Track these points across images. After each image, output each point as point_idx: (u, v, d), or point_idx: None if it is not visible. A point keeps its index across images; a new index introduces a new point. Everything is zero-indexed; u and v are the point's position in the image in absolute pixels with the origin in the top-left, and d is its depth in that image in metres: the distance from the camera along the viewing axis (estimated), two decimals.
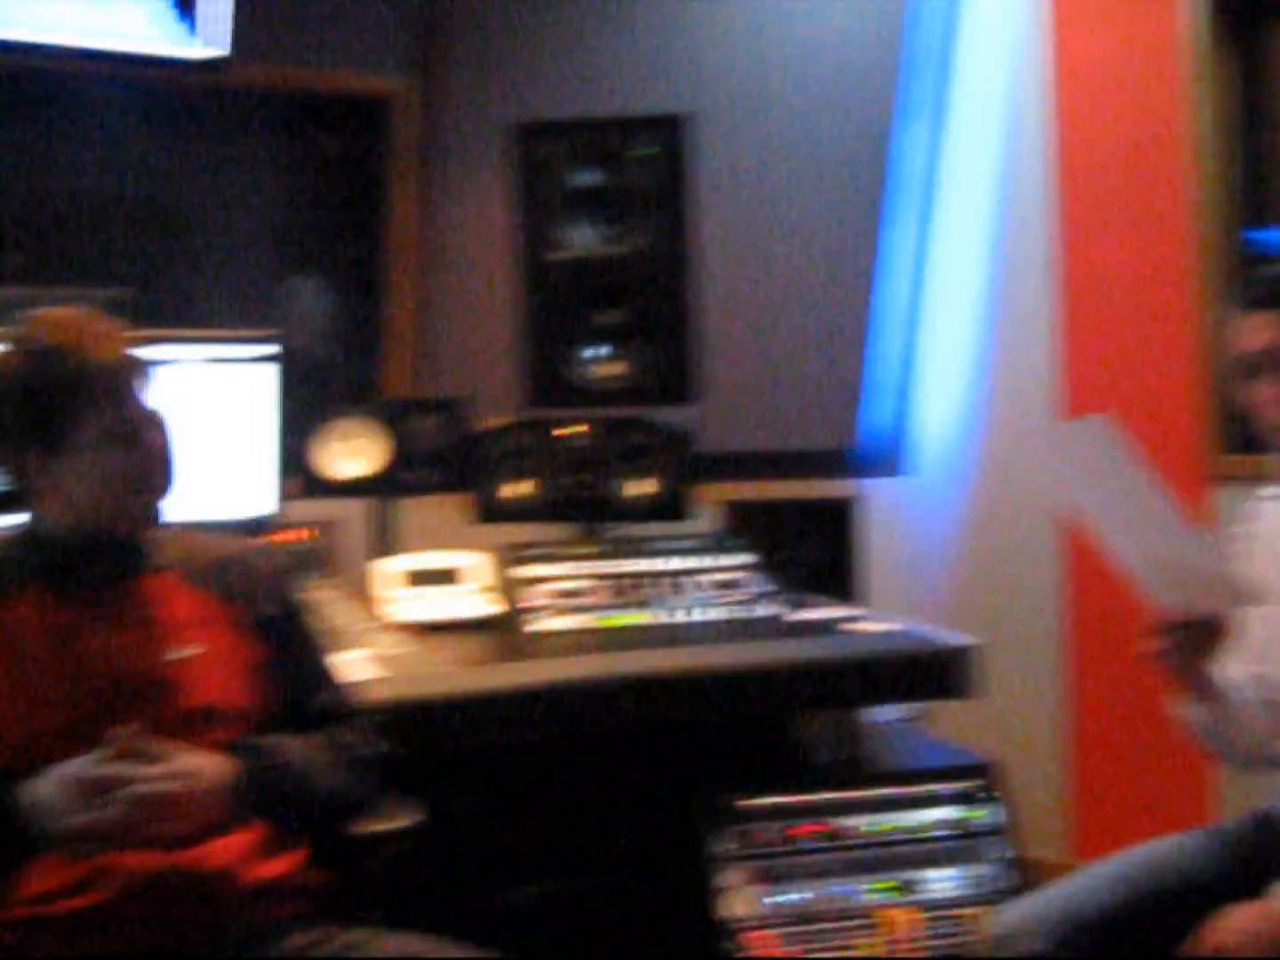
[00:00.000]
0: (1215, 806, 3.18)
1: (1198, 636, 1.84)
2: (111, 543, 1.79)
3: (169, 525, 1.84)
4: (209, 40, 3.09)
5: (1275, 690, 1.95)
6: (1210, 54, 3.44)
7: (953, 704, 2.61)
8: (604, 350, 3.13)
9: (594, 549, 2.91)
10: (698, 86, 3.46)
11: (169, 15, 3.06)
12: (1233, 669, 1.96)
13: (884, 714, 2.93)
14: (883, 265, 3.75)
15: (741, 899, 2.38)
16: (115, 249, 3.45)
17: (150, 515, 1.80)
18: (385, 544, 2.98)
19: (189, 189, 3.50)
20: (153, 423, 1.78)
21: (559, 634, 2.64)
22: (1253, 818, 2.02)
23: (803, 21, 3.56)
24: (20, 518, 1.82)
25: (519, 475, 3.04)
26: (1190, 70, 3.45)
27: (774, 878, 2.41)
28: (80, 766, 1.62)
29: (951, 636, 2.58)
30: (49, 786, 1.62)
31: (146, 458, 1.77)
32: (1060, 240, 3.71)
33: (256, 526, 2.68)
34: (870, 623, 2.73)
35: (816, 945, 2.37)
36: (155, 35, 3.07)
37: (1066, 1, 3.75)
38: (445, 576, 2.82)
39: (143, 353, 1.79)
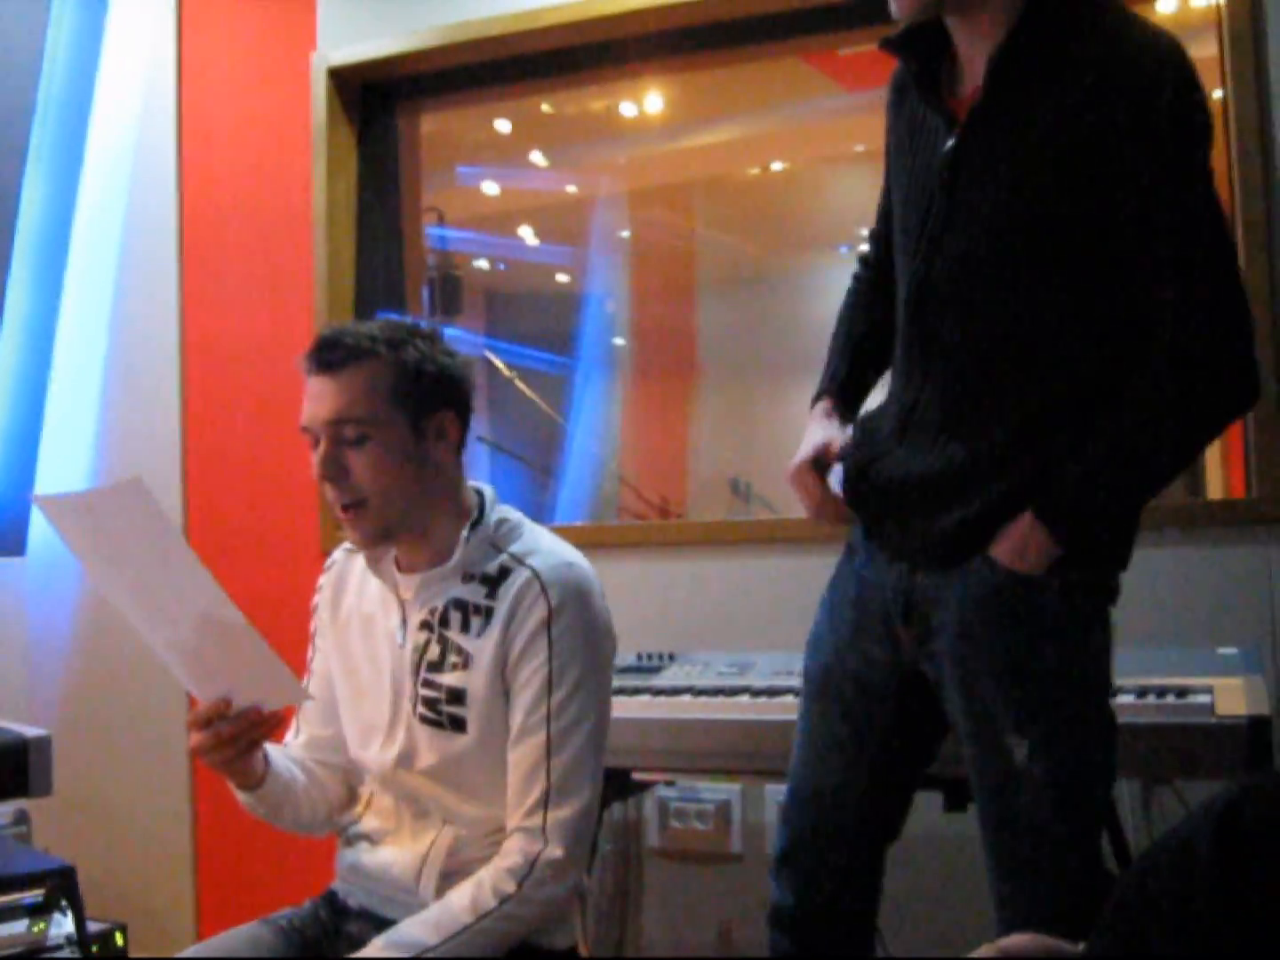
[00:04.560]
0: None
1: (241, 729, 1.71)
2: None
3: None
4: None
5: (327, 752, 1.98)
6: (335, 134, 3.54)
7: (65, 800, 2.59)
8: None
9: None
10: None
11: None
12: (289, 735, 1.99)
13: None
14: (6, 328, 3.56)
15: None
16: None
17: None
18: None
19: None
20: None
21: None
22: (322, 898, 1.99)
23: None
24: None
25: None
26: (317, 148, 3.51)
27: None
28: None
29: (21, 729, 2.46)
30: None
31: None
32: (183, 311, 3.67)
33: None
34: None
35: None
36: None
37: (193, 68, 3.67)
38: None
39: None
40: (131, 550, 1.64)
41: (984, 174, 1.66)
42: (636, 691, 2.41)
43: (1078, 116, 1.59)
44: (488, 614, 1.82)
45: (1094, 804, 1.71)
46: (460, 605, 1.84)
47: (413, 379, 1.81)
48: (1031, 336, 1.67)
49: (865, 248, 2.01)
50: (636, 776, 2.55)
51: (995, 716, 1.66)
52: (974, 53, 1.69)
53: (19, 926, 2.43)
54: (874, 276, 1.97)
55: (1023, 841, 1.68)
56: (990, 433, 1.67)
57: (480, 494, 1.91)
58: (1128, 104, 1.57)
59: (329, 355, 1.79)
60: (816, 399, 1.94)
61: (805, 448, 1.88)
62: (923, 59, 1.74)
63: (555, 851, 1.74)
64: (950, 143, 1.68)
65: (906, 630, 1.75)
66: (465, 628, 1.83)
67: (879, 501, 1.77)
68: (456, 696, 1.82)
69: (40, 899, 2.46)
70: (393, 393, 1.79)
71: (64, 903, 2.46)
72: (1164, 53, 1.59)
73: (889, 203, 1.89)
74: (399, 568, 1.91)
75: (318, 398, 1.80)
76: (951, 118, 1.69)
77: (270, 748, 1.87)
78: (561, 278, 6.73)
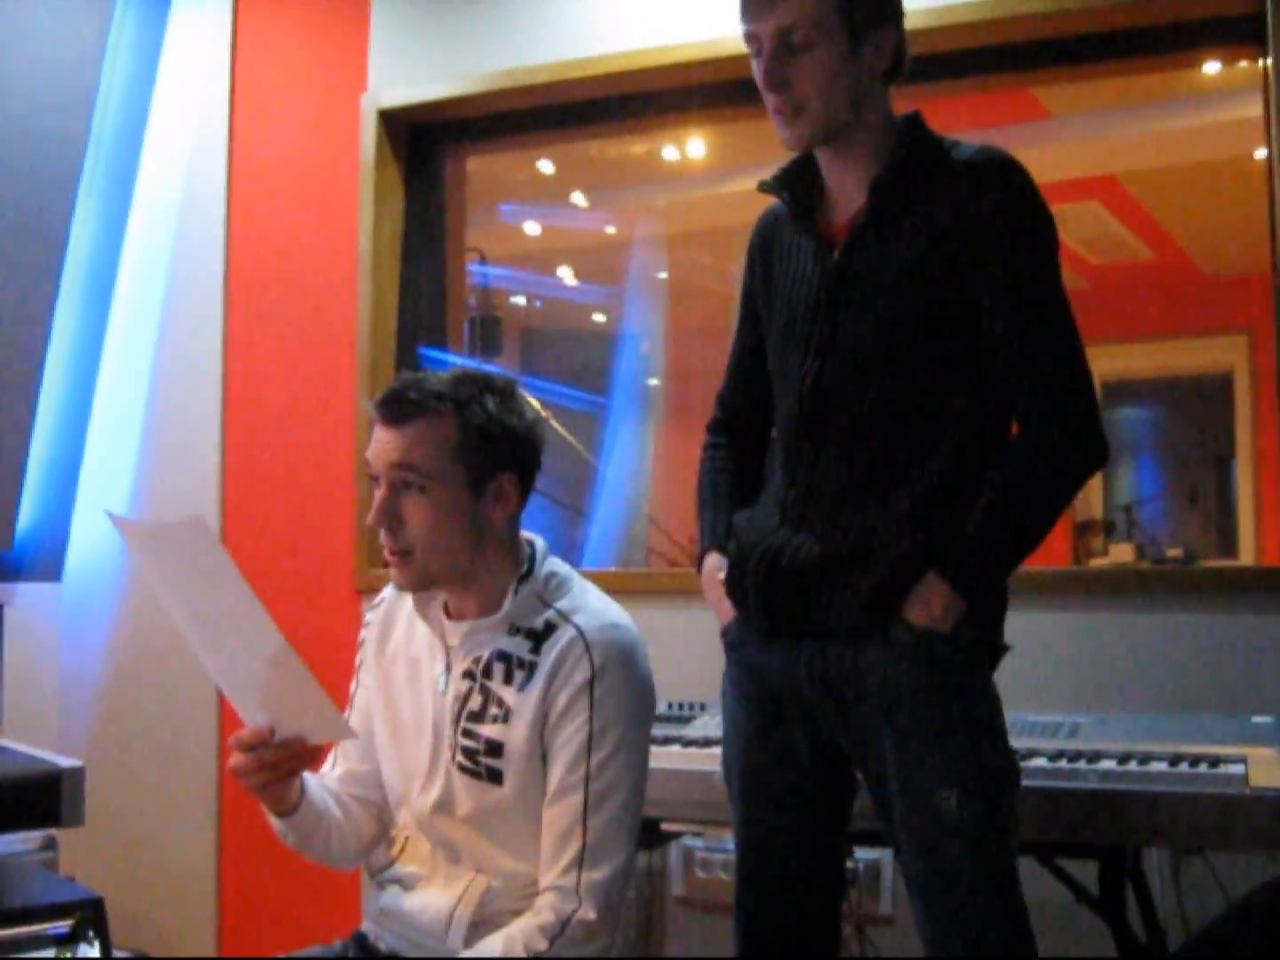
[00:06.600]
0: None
1: (282, 757, 1.75)
2: None
3: None
4: None
5: (363, 787, 1.99)
6: (383, 174, 3.59)
7: (92, 827, 2.55)
8: None
9: None
10: None
11: None
12: (325, 766, 2.02)
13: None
14: (52, 357, 3.63)
15: None
16: None
17: None
18: None
19: None
20: None
21: None
22: (352, 939, 2.01)
23: None
24: None
25: None
26: (364, 187, 3.57)
27: None
28: None
29: (55, 759, 2.48)
30: None
31: None
32: (227, 346, 3.73)
33: None
34: None
35: None
36: None
37: (245, 107, 3.78)
38: None
39: None
40: (192, 582, 1.68)
41: (870, 278, 1.83)
42: (667, 741, 2.40)
43: (947, 226, 1.80)
44: (531, 669, 1.83)
45: (1010, 852, 1.80)
46: (504, 658, 1.85)
47: (476, 439, 1.81)
48: (919, 414, 1.82)
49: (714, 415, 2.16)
50: (665, 827, 2.55)
51: (925, 770, 1.76)
52: (846, 184, 1.89)
53: (46, 955, 2.43)
54: (728, 439, 2.12)
55: (951, 890, 1.77)
56: (889, 505, 1.80)
57: (532, 545, 1.92)
58: (983, 214, 1.79)
59: (395, 408, 1.80)
60: (702, 555, 2.05)
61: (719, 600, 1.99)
62: (796, 195, 1.93)
63: (589, 913, 1.74)
64: (836, 255, 1.86)
65: (826, 704, 1.84)
66: (508, 680, 1.84)
67: (789, 585, 1.84)
68: (495, 749, 1.83)
69: (68, 929, 2.46)
70: (455, 450, 1.80)
71: (91, 934, 2.47)
72: (1005, 169, 1.82)
73: (743, 352, 2.08)
74: (448, 614, 1.92)
75: (384, 443, 1.81)
76: (828, 240, 1.88)
77: (307, 776, 1.88)
78: (598, 317, 6.77)
